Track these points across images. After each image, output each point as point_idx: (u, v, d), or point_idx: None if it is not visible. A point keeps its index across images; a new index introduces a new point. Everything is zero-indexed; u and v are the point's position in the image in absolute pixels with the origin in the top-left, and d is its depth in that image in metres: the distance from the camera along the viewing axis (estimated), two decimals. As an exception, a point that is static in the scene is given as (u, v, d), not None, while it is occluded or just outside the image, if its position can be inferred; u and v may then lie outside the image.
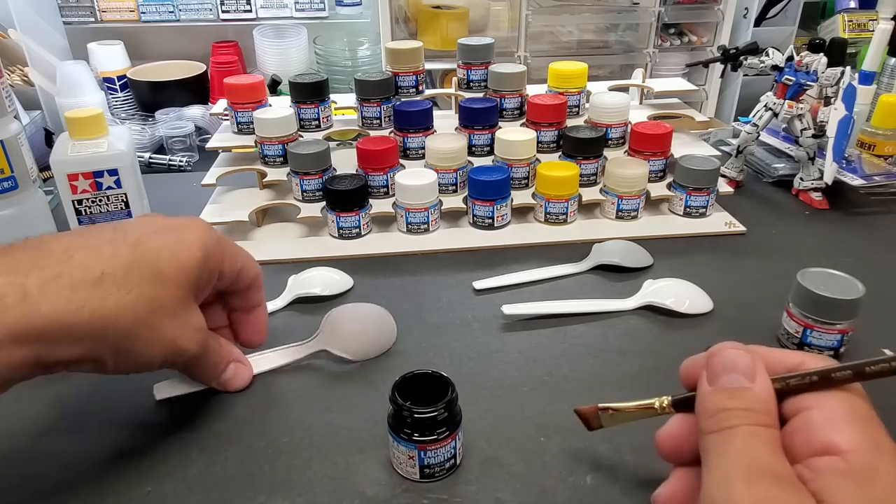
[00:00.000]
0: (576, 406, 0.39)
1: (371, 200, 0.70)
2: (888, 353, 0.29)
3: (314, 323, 0.52)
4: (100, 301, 0.35)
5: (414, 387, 0.40)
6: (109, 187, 0.65)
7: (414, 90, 0.78)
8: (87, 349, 0.36)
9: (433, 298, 0.60)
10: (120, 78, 1.89)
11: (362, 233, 0.69)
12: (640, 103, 0.87)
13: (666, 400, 0.35)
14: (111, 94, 1.88)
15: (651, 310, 0.58)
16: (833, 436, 0.27)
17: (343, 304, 0.55)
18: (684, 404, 0.34)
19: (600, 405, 0.38)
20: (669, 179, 0.75)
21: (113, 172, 0.65)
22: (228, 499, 0.40)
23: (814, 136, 0.75)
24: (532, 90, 0.80)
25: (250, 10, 1.96)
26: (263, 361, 0.50)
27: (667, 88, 0.86)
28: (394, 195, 0.71)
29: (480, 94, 0.80)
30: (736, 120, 1.00)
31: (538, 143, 0.75)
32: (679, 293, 0.58)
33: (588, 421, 0.39)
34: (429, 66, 1.79)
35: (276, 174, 0.72)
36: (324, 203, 0.70)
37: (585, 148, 0.73)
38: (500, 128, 0.76)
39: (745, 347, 0.31)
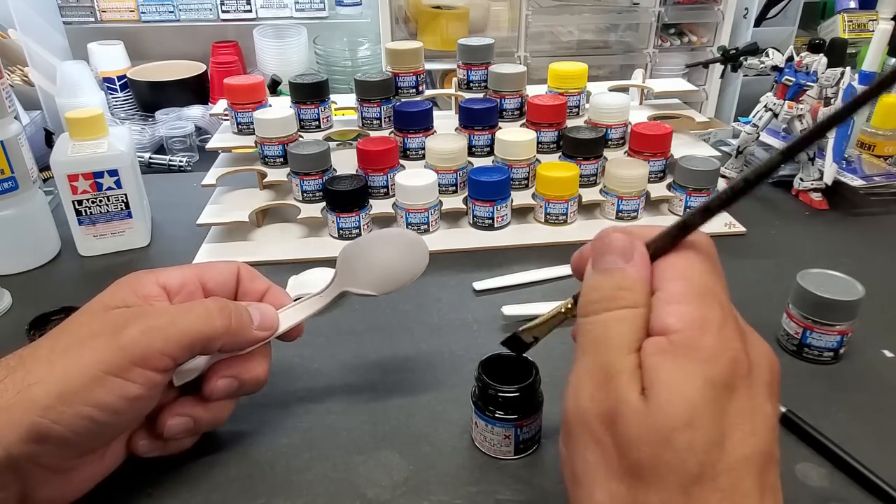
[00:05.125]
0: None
1: (371, 201, 0.70)
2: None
3: (314, 323, 0.52)
4: None
5: (488, 370, 0.42)
6: (109, 188, 0.65)
7: (414, 90, 0.78)
8: None
9: (433, 299, 0.60)
10: (120, 78, 1.89)
11: (362, 233, 0.69)
12: (640, 104, 0.87)
13: (570, 302, 0.36)
14: (111, 94, 1.88)
15: (651, 310, 0.58)
16: (667, 319, 0.28)
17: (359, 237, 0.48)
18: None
19: (518, 330, 0.39)
20: (669, 180, 0.75)
21: (113, 173, 0.65)
22: (229, 500, 0.40)
23: (814, 137, 0.75)
24: (532, 90, 0.80)
25: (250, 10, 1.96)
26: (284, 319, 0.44)
27: (667, 89, 0.86)
28: (394, 196, 0.71)
29: (480, 95, 0.80)
30: (736, 120, 1.00)
31: (538, 143, 0.75)
32: (679, 294, 0.58)
33: (515, 345, 0.40)
34: (429, 66, 1.79)
35: (277, 175, 0.72)
36: (324, 204, 0.70)
37: (585, 148, 0.73)
38: (500, 128, 0.76)
39: (626, 230, 0.32)
